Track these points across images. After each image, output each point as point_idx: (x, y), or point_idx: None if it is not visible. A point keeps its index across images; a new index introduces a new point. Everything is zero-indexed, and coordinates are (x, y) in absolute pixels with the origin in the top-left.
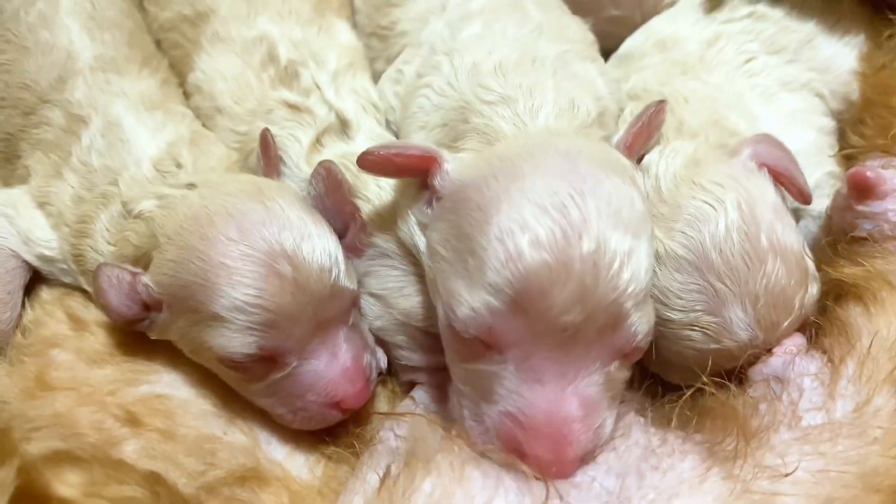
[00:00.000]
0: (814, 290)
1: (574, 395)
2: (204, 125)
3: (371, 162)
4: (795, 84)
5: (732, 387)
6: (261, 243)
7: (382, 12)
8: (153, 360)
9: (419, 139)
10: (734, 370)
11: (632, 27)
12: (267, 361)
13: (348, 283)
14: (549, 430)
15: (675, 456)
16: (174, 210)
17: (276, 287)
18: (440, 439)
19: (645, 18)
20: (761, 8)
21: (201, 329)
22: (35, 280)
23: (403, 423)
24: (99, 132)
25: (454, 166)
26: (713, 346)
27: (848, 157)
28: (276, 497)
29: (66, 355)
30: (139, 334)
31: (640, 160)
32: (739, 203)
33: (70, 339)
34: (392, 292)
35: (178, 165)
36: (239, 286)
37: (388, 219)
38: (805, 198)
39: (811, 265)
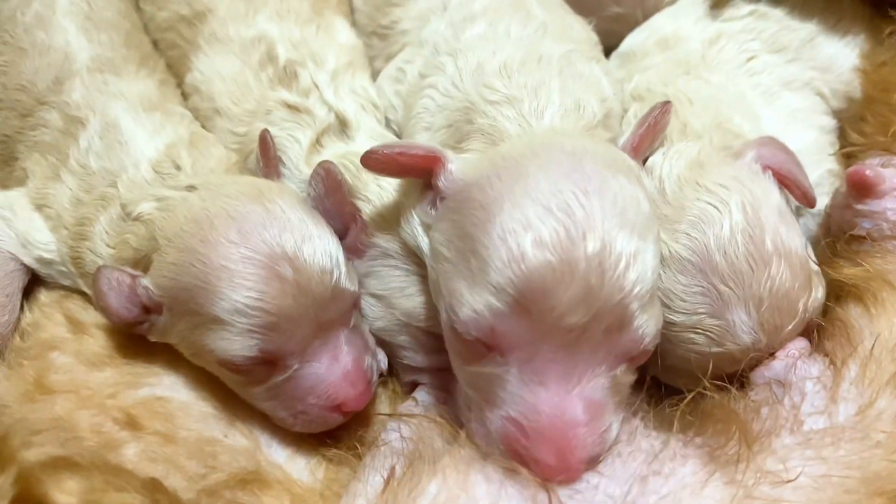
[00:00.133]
0: (818, 293)
1: (579, 399)
2: (202, 126)
3: (375, 161)
4: (797, 83)
5: (734, 390)
6: (262, 246)
7: (383, 11)
8: (153, 363)
9: (424, 140)
10: (736, 374)
11: (633, 25)
12: (268, 364)
13: (349, 284)
14: (553, 434)
15: (677, 460)
16: (174, 212)
17: (277, 290)
18: (445, 441)
19: (646, 16)
20: (763, 7)
21: (202, 332)
22: (33, 283)
23: (409, 423)
24: (97, 134)
25: (458, 166)
26: (716, 349)
27: (848, 154)
28: (278, 500)
29: (66, 358)
30: (139, 337)
31: (644, 162)
32: (744, 205)
33: (69, 342)
34: (394, 292)
35: (177, 167)
36: (240, 289)
37: (389, 219)
38: (809, 200)
39: (815, 268)
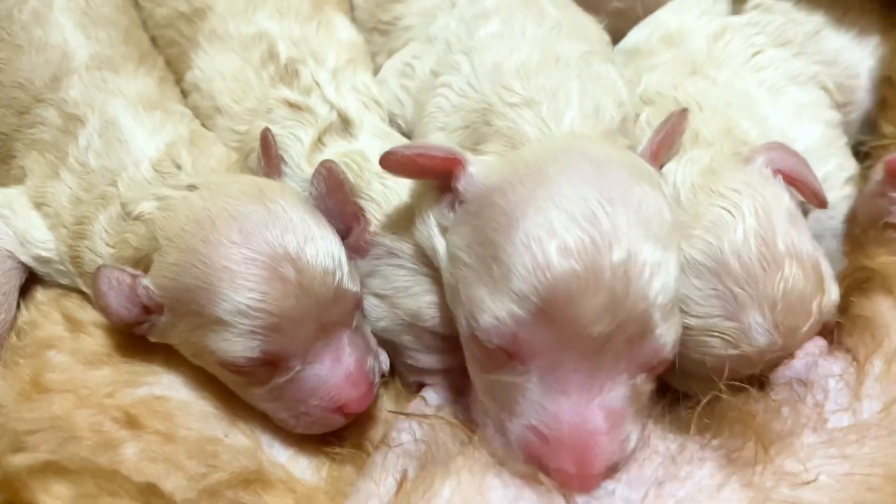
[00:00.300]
0: (832, 294)
1: (600, 408)
2: (203, 125)
3: (394, 162)
4: (802, 77)
5: (753, 391)
6: (263, 246)
7: (384, 8)
8: (152, 362)
9: (438, 140)
10: (753, 376)
11: (633, 20)
12: (270, 366)
13: (352, 285)
14: (575, 443)
15: (694, 463)
16: (175, 212)
17: (279, 290)
18: (460, 444)
19: (646, 11)
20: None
21: (203, 333)
22: (30, 281)
23: (423, 424)
24: (96, 132)
25: (478, 169)
26: (732, 351)
27: (880, 147)
28: (281, 499)
29: (63, 357)
30: (137, 336)
31: (660, 168)
32: (756, 209)
33: (66, 341)
34: (398, 292)
35: (178, 166)
36: (242, 290)
37: (396, 218)
38: (821, 201)
39: (828, 270)
